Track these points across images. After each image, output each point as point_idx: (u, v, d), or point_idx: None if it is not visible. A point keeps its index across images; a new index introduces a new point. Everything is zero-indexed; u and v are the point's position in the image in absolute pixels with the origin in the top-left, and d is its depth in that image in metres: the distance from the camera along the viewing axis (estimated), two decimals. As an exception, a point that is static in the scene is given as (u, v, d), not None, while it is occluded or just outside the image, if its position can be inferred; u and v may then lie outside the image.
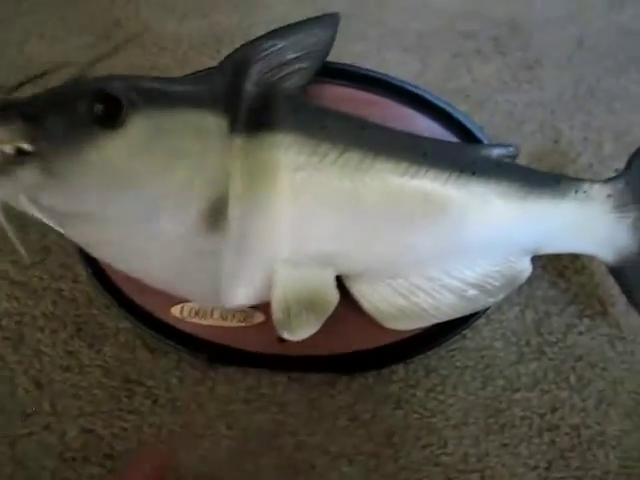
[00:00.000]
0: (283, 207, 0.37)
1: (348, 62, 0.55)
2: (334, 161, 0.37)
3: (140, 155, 0.34)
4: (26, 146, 0.32)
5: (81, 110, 0.33)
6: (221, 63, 0.39)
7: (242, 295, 0.38)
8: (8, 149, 0.32)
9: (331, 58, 0.42)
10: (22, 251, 0.34)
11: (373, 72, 0.43)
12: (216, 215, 0.36)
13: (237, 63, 0.39)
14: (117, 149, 0.34)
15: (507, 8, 0.66)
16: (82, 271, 0.46)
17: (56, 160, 0.33)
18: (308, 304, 0.37)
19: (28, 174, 0.33)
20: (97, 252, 0.39)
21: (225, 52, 0.58)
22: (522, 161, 0.53)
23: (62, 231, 0.36)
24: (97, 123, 0.33)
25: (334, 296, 0.38)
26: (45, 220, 0.34)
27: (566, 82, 0.60)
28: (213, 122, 0.36)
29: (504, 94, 0.59)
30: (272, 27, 0.61)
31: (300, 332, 0.37)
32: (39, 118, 0.33)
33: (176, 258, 0.37)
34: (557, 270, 0.49)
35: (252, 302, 0.39)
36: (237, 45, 0.58)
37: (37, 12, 0.66)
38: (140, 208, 0.35)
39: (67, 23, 0.65)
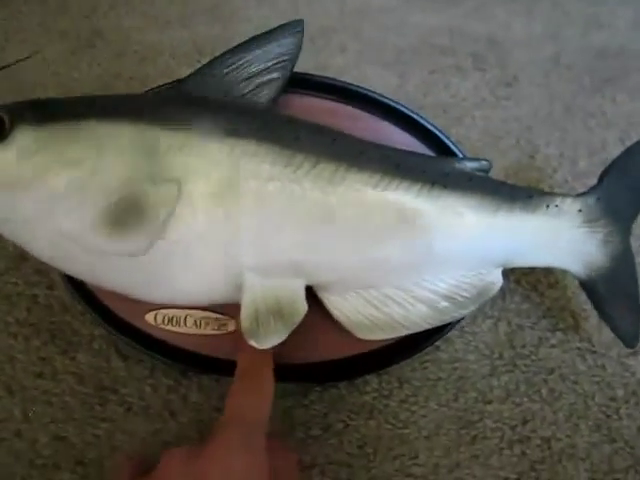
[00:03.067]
0: (253, 217, 0.37)
1: (328, 75, 0.56)
2: (307, 172, 0.38)
3: (27, 161, 0.36)
4: None
5: None
6: (188, 77, 0.40)
7: (191, 297, 0.39)
8: None
9: (311, 71, 0.43)
10: None
11: (349, 84, 0.44)
12: (123, 218, 0.36)
13: (204, 77, 0.40)
14: (5, 157, 0.36)
15: (486, 25, 0.67)
16: (57, 277, 0.46)
17: None
18: (276, 313, 0.37)
19: None
20: (30, 251, 0.40)
21: (205, 61, 0.58)
22: (498, 176, 0.54)
23: None
24: None
25: (303, 306, 0.38)
26: None
27: (543, 99, 0.61)
28: (131, 131, 0.37)
29: (482, 110, 0.60)
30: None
31: (268, 341, 0.37)
32: None
33: (83, 259, 0.38)
34: (531, 284, 0.49)
35: (205, 304, 0.41)
36: (217, 54, 0.59)
37: (18, 18, 0.66)
38: (37, 208, 0.36)
39: (48, 30, 0.65)
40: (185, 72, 0.58)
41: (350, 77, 0.59)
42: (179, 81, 0.41)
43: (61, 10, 0.67)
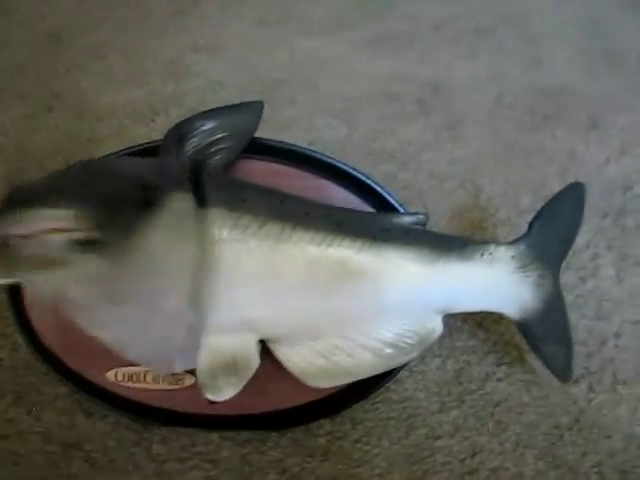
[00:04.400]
0: (207, 277, 0.39)
1: (278, 127, 0.58)
2: (255, 232, 0.40)
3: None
4: (94, 234, 0.33)
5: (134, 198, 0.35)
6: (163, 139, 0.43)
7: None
8: (71, 236, 0.33)
9: (261, 125, 0.45)
10: None
11: (292, 146, 0.46)
12: None
13: (170, 142, 0.42)
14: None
15: (431, 70, 0.70)
16: (20, 340, 0.47)
17: (118, 249, 0.34)
18: (231, 367, 0.39)
19: (91, 263, 0.33)
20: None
21: (160, 121, 0.61)
22: (444, 217, 0.57)
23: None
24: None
25: (255, 359, 0.40)
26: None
27: (486, 139, 0.64)
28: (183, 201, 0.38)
29: (427, 153, 0.62)
30: (205, 94, 0.65)
31: (224, 394, 0.39)
32: (101, 206, 0.34)
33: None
34: (476, 321, 0.52)
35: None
36: (171, 114, 0.61)
37: (-25, 84, 0.68)
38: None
39: (5, 94, 0.67)
40: (140, 131, 0.62)
41: (300, 128, 0.62)
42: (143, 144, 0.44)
43: (18, 74, 0.69)
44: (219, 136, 0.43)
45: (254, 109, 0.45)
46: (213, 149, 0.42)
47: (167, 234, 0.36)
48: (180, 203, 0.37)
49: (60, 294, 0.35)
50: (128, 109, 0.65)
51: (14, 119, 0.64)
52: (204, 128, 0.42)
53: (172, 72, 0.69)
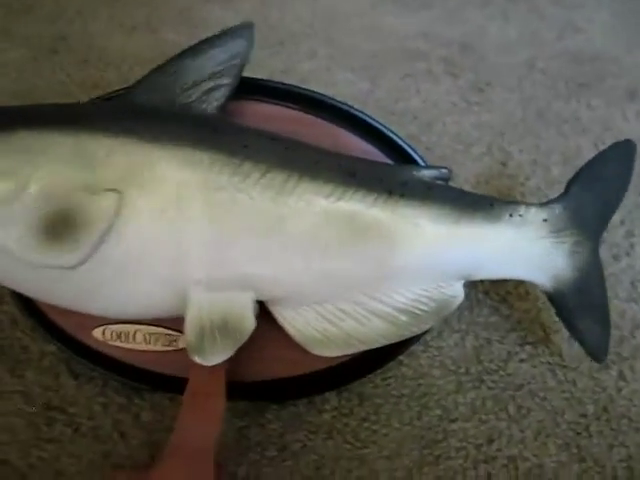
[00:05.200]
0: (199, 227, 0.35)
1: (296, 80, 0.54)
2: (256, 181, 0.36)
3: None
4: None
5: None
6: (133, 85, 0.39)
7: (133, 310, 0.38)
8: None
9: (278, 77, 0.41)
10: None
11: (305, 90, 0.42)
12: (57, 230, 0.34)
13: (149, 84, 0.38)
14: None
15: (459, 30, 0.67)
16: (7, 292, 0.45)
17: None
18: (222, 328, 0.36)
19: None
20: None
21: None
22: (469, 183, 0.53)
23: None
24: None
25: (250, 321, 0.37)
26: None
27: (516, 105, 0.60)
28: (66, 140, 0.35)
29: (453, 116, 0.59)
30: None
31: (213, 357, 0.35)
32: None
33: (19, 272, 0.36)
34: (500, 295, 0.48)
35: (149, 317, 0.40)
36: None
37: (-21, 22, 0.65)
38: None
39: (11, 35, 0.64)
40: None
41: (319, 82, 0.59)
42: (126, 89, 0.40)
43: (26, 15, 0.66)
44: (208, 73, 0.39)
45: (242, 35, 0.39)
46: (202, 90, 0.38)
47: None
48: None
49: None
50: (138, 56, 0.61)
51: (18, 60, 0.61)
52: (187, 68, 0.38)
53: (185, 21, 0.65)
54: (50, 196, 0.34)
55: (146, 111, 0.37)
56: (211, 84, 0.38)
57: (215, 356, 0.35)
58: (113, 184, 0.35)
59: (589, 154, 0.54)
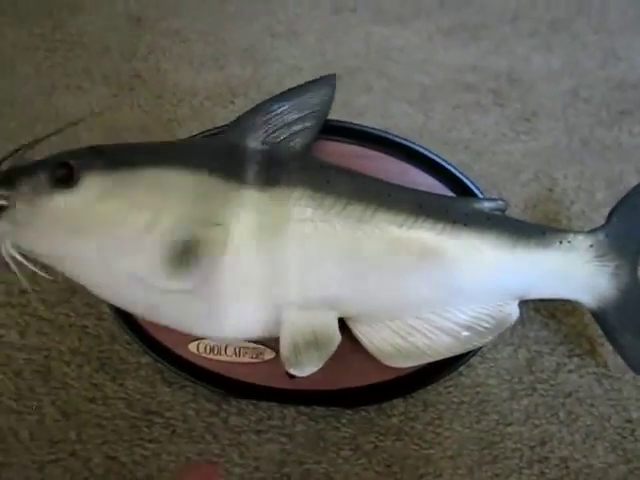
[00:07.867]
0: (292, 255, 0.40)
1: (354, 114, 0.59)
2: (338, 213, 0.41)
3: (94, 208, 0.39)
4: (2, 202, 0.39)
5: (44, 174, 0.39)
6: (229, 125, 0.43)
7: (240, 331, 0.42)
8: None
9: (337, 110, 0.46)
10: (24, 282, 0.40)
11: (372, 129, 0.47)
12: (181, 258, 0.39)
13: (243, 125, 0.43)
14: (71, 204, 0.39)
15: (506, 62, 0.70)
16: (106, 309, 0.50)
17: (23, 212, 0.39)
18: (313, 344, 0.40)
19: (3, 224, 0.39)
20: (89, 287, 0.42)
21: (238, 103, 0.63)
22: (518, 208, 0.57)
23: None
24: (55, 184, 0.39)
25: (337, 336, 0.41)
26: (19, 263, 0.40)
27: (561, 133, 0.64)
28: (192, 179, 0.40)
29: (502, 145, 0.63)
30: (283, 79, 0.66)
31: (306, 369, 0.40)
32: (11, 181, 0.39)
33: (144, 296, 0.41)
34: (549, 312, 0.52)
35: (251, 338, 0.44)
36: (250, 96, 0.63)
37: (63, 64, 0.71)
38: (101, 251, 0.40)
39: (91, 74, 0.69)
40: (219, 113, 0.64)
41: (376, 115, 0.63)
42: (223, 126, 0.45)
43: (103, 55, 0.71)
44: (296, 117, 0.43)
45: (326, 84, 0.44)
46: (290, 131, 0.43)
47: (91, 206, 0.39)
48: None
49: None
50: (207, 91, 0.66)
51: (99, 97, 0.66)
52: (276, 112, 0.43)
53: (250, 56, 0.70)
54: (177, 229, 0.39)
55: (245, 152, 0.42)
56: (299, 126, 0.43)
57: (307, 368, 0.40)
58: (220, 219, 0.40)
59: (631, 179, 0.58)
